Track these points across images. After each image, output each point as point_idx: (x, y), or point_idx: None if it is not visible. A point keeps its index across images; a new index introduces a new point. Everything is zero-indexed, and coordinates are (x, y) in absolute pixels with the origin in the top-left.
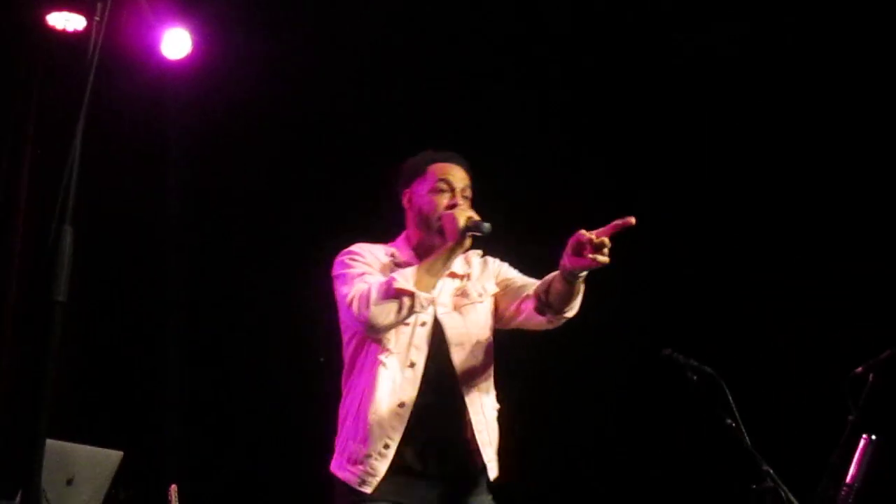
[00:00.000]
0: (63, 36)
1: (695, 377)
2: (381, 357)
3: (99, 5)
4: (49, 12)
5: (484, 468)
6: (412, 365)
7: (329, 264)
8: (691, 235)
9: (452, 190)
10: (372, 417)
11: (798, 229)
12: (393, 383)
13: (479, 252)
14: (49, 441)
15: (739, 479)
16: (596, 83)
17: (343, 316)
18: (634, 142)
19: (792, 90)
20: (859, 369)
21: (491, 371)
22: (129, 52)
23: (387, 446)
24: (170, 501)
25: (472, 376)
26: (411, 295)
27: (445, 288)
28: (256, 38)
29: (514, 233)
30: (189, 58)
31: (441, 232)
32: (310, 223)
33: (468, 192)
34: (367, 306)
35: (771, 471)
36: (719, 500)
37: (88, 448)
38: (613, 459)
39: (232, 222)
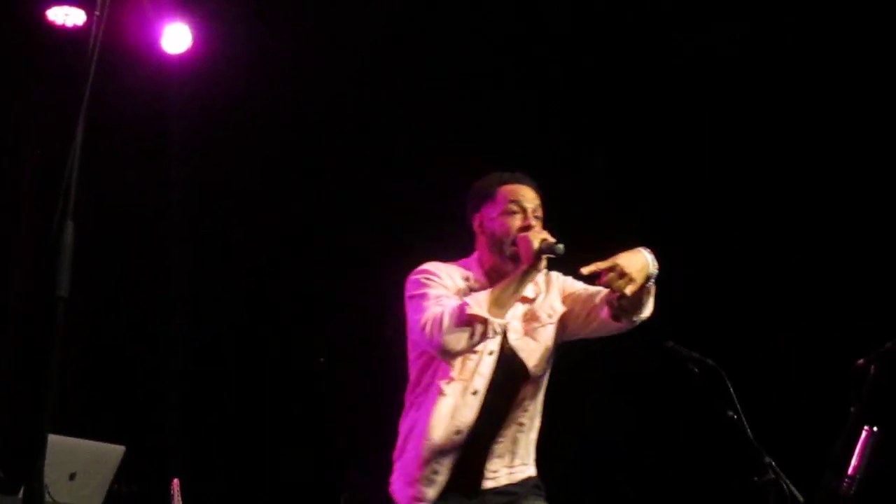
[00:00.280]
0: (63, 31)
1: (696, 369)
2: (443, 384)
3: (99, 0)
4: (49, 7)
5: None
6: (475, 393)
7: (327, 259)
8: (692, 234)
9: (524, 211)
10: (426, 444)
11: (798, 229)
12: (453, 409)
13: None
14: (52, 436)
15: (741, 472)
16: (596, 83)
17: (415, 336)
18: (635, 142)
19: (792, 90)
20: (861, 361)
21: (544, 389)
22: (130, 47)
23: (436, 472)
24: (172, 496)
25: (532, 401)
26: (484, 321)
27: (515, 313)
28: (256, 33)
29: None
30: (189, 52)
31: (514, 256)
32: (311, 217)
33: (539, 213)
34: (441, 332)
35: (773, 463)
36: (721, 493)
37: (91, 443)
38: (615, 451)
39: (233, 216)
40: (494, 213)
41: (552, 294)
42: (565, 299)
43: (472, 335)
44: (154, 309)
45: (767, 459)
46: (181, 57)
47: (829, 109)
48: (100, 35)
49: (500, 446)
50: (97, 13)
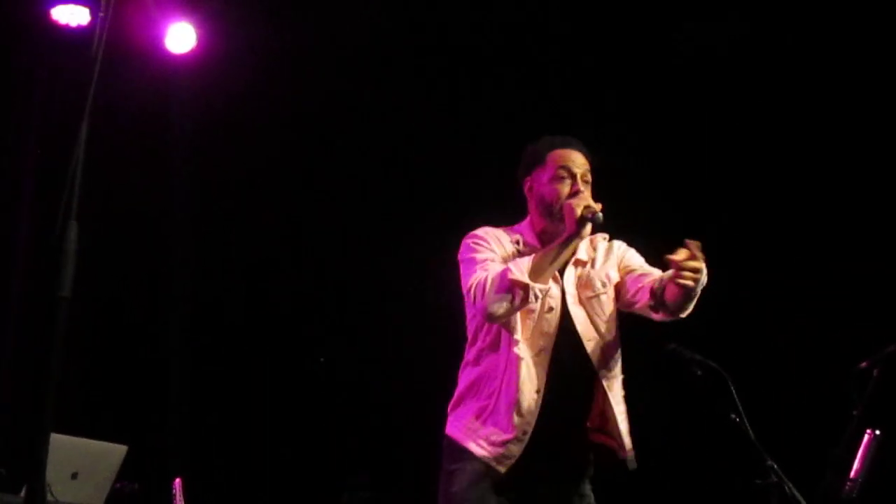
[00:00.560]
0: (68, 30)
1: (699, 372)
2: (515, 349)
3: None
4: (53, 6)
5: (590, 460)
6: (541, 351)
7: (331, 257)
8: (693, 234)
9: (573, 176)
10: (516, 408)
11: (802, 230)
12: (528, 370)
13: (606, 236)
14: (54, 435)
15: (743, 474)
16: (595, 82)
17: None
18: (635, 141)
19: (792, 90)
20: (864, 364)
21: (618, 357)
22: (134, 47)
23: (525, 433)
24: (174, 495)
25: (602, 364)
26: (525, 287)
27: (569, 276)
28: (260, 32)
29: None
30: (193, 52)
31: (564, 220)
32: (314, 215)
33: (588, 177)
34: (483, 296)
35: (775, 465)
36: (723, 495)
37: (93, 442)
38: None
39: (236, 215)
40: (545, 177)
41: (610, 262)
42: (621, 270)
43: (512, 300)
44: (156, 308)
45: (769, 462)
46: (185, 56)
47: (829, 110)
48: (104, 34)
49: (577, 407)
50: (102, 12)
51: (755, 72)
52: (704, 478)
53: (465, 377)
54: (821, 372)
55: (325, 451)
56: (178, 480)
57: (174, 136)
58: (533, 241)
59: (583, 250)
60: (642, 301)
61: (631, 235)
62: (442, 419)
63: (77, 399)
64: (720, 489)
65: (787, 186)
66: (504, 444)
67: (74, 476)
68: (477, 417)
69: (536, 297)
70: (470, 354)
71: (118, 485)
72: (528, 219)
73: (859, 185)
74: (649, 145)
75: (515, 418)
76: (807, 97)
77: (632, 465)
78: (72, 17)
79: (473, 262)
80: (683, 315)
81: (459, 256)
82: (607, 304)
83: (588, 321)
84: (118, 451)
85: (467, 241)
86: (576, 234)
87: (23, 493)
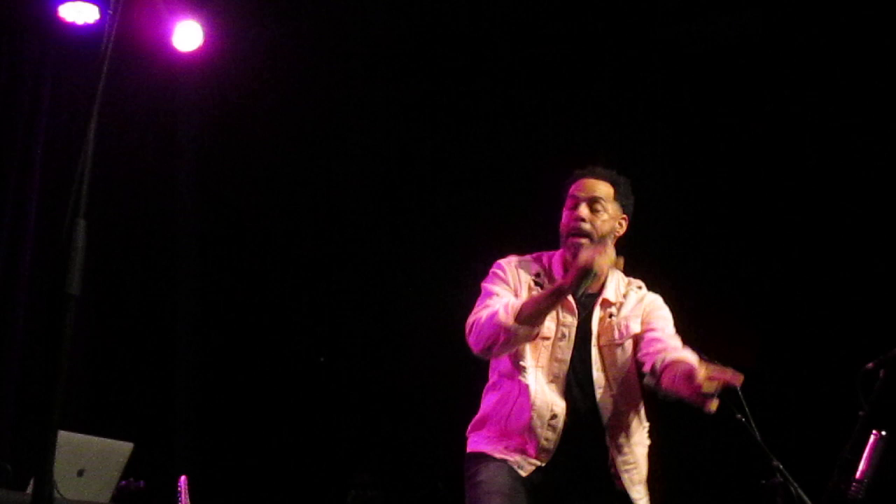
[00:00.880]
0: (75, 28)
1: None
2: (526, 375)
3: None
4: (62, 4)
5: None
6: (556, 378)
7: (335, 257)
8: (695, 235)
9: (579, 202)
10: (529, 434)
11: (808, 230)
12: (542, 397)
13: (641, 284)
14: (61, 432)
15: (749, 474)
16: (597, 79)
17: None
18: (637, 139)
19: (791, 89)
20: (870, 365)
21: (638, 405)
22: (141, 45)
23: (542, 458)
24: (180, 493)
25: (609, 414)
26: (507, 330)
27: (595, 314)
28: (267, 30)
29: (512, 228)
30: (200, 50)
31: (570, 250)
32: (321, 214)
33: (598, 205)
34: (472, 334)
35: (781, 466)
36: (729, 496)
37: (100, 439)
38: None
39: (243, 213)
40: (563, 207)
41: (635, 312)
42: (643, 324)
43: (495, 343)
44: (163, 306)
45: (775, 462)
46: (192, 54)
47: (829, 110)
48: (113, 32)
49: (590, 444)
50: (110, 10)
51: (752, 70)
52: (711, 477)
53: (486, 401)
54: (829, 375)
55: (331, 448)
56: (183, 478)
57: (181, 133)
58: (559, 272)
59: (612, 290)
60: (645, 368)
61: (631, 235)
62: (448, 416)
63: (84, 396)
64: (726, 489)
65: (793, 186)
66: (525, 459)
67: (81, 473)
68: (498, 438)
69: (522, 340)
70: (491, 378)
71: (124, 482)
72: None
73: (865, 185)
74: (648, 144)
75: (529, 445)
76: (808, 95)
77: None
78: (79, 14)
79: (485, 295)
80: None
81: (482, 284)
82: (622, 356)
83: (601, 368)
84: (124, 448)
85: (492, 269)
86: (568, 290)
87: (29, 490)
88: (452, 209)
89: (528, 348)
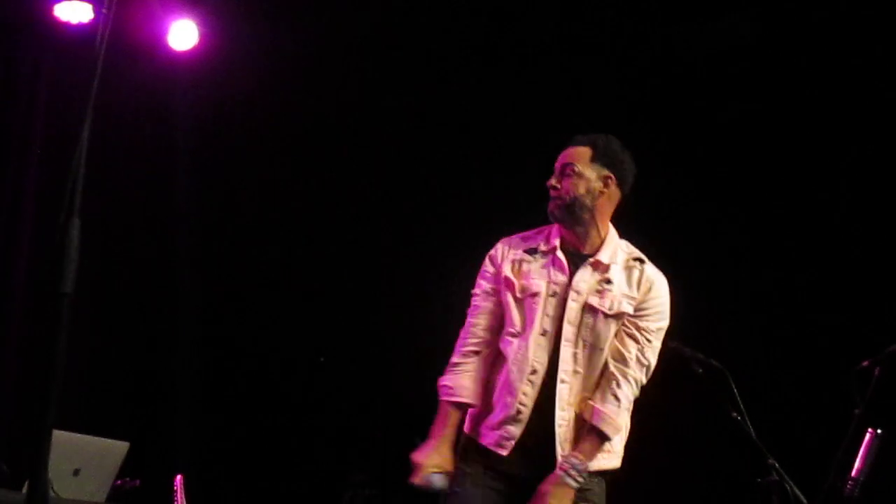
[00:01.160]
0: (70, 27)
1: (700, 370)
2: (511, 331)
3: None
4: (57, 3)
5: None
6: (545, 333)
7: (332, 256)
8: (695, 235)
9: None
10: (508, 388)
11: (804, 228)
12: (523, 352)
13: (643, 257)
14: (56, 432)
15: (745, 473)
16: (599, 79)
17: None
18: (639, 138)
19: (792, 89)
20: (865, 363)
21: (595, 377)
22: (136, 44)
23: (520, 412)
24: (176, 492)
25: (569, 367)
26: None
27: (586, 276)
28: (262, 29)
29: (512, 228)
30: (196, 49)
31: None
32: (318, 212)
33: (569, 169)
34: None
35: (776, 464)
36: (724, 494)
37: (95, 439)
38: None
39: (239, 213)
40: None
41: (631, 291)
42: (634, 309)
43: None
44: (159, 305)
45: (771, 461)
46: (188, 54)
47: (832, 110)
48: (108, 31)
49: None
50: (105, 9)
51: (751, 69)
52: (706, 476)
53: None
54: (824, 373)
55: (327, 448)
56: (179, 477)
57: (177, 133)
58: (554, 238)
59: (607, 253)
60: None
61: (631, 233)
62: None
63: (79, 396)
64: (721, 488)
65: (791, 185)
66: (501, 424)
67: (76, 473)
68: (485, 405)
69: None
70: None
71: (119, 481)
72: None
73: (863, 184)
74: (649, 144)
75: (507, 398)
76: (811, 95)
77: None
78: (74, 14)
79: (472, 298)
80: None
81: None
82: (603, 327)
83: (576, 324)
84: (120, 447)
85: (484, 261)
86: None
87: (25, 489)
88: (454, 209)
89: (516, 311)
